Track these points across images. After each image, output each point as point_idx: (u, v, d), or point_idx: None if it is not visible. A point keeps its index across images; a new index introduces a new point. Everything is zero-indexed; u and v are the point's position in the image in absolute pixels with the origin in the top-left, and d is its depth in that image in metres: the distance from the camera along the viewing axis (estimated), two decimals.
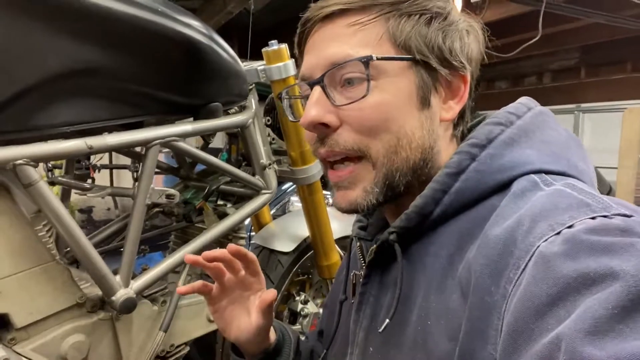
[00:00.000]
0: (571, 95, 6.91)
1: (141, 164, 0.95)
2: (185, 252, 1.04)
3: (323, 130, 0.50)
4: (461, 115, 0.54)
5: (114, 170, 1.51)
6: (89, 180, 1.19)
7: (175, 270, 1.08)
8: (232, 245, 0.62)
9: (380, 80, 0.49)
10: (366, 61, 0.48)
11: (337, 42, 0.50)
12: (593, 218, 0.38)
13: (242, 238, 1.24)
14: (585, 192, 0.42)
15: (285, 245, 1.43)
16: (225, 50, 1.03)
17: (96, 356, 0.93)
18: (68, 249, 1.05)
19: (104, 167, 2.25)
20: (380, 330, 0.51)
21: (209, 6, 4.45)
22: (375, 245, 0.54)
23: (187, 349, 1.10)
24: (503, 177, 0.47)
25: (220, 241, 1.21)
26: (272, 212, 2.66)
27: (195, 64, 0.97)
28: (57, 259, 0.88)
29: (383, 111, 0.49)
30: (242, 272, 0.64)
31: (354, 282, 0.60)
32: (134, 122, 0.95)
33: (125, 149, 1.03)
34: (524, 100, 0.54)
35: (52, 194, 0.81)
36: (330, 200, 2.35)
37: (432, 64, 0.50)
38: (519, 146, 0.49)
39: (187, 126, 0.99)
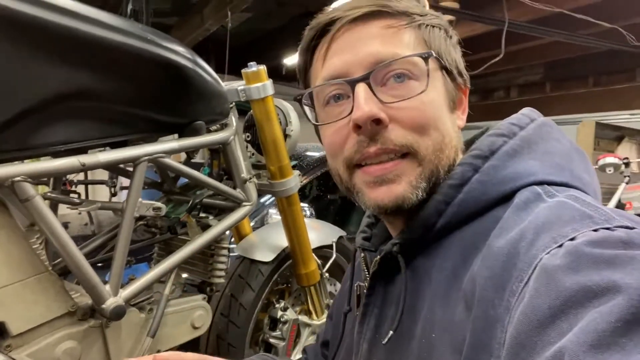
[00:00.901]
0: (537, 108, 7.22)
1: (130, 179, 1.01)
2: (171, 262, 1.10)
3: (372, 128, 0.49)
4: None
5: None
6: (77, 195, 1.24)
7: (161, 280, 1.14)
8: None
9: (424, 80, 0.50)
10: (427, 57, 0.50)
11: (379, 41, 0.50)
12: (595, 230, 0.37)
13: (224, 248, 1.30)
14: (588, 204, 0.42)
15: (266, 255, 1.50)
16: (207, 72, 1.11)
17: None
18: (58, 260, 1.10)
19: (80, 182, 2.29)
20: (384, 342, 0.51)
21: (185, 24, 4.52)
22: (379, 257, 0.54)
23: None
24: (506, 188, 0.47)
25: (204, 251, 1.27)
26: (251, 224, 2.72)
27: (180, 87, 1.04)
28: (49, 269, 0.94)
29: (433, 108, 0.50)
30: None
31: (358, 293, 0.61)
32: (123, 140, 1.02)
33: (115, 166, 1.09)
34: (527, 111, 0.54)
35: (47, 209, 0.87)
36: (308, 212, 2.43)
37: (453, 73, 0.54)
38: (521, 157, 0.49)
39: (173, 144, 1.06)
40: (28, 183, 0.85)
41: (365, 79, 0.50)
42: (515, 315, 0.37)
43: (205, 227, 1.25)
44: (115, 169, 1.27)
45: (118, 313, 0.97)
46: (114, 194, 2.04)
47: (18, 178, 0.83)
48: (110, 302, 0.97)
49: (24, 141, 0.86)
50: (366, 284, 0.57)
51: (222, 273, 1.29)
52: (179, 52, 1.04)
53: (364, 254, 0.61)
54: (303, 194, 3.12)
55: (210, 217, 1.33)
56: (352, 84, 0.50)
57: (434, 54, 0.51)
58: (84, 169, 0.91)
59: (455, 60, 0.54)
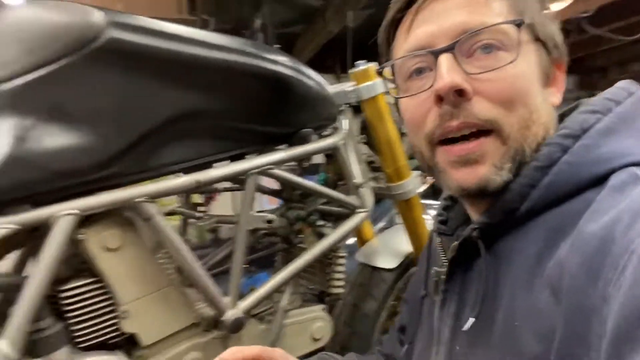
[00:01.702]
0: None
1: (244, 192, 1.03)
2: (288, 272, 1.10)
3: (455, 99, 0.47)
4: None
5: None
6: (203, 208, 1.31)
7: (280, 290, 1.14)
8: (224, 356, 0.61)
9: (512, 51, 0.47)
10: (519, 24, 0.46)
11: (466, 10, 0.48)
12: None
13: (341, 257, 1.26)
14: None
15: (388, 262, 1.42)
16: (311, 78, 1.07)
17: None
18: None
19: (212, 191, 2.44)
20: (465, 329, 0.50)
21: (309, 29, 4.65)
22: (457, 243, 0.53)
23: None
24: (599, 169, 0.44)
25: (321, 261, 1.24)
26: (381, 224, 2.66)
27: (284, 96, 1.03)
28: (174, 283, 0.99)
29: (523, 82, 0.48)
30: None
31: (435, 279, 0.59)
32: (234, 154, 1.04)
33: (220, 182, 1.12)
34: (624, 84, 0.50)
35: (169, 226, 0.92)
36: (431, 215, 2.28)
37: (549, 46, 0.50)
38: (617, 136, 0.45)
39: (281, 154, 1.05)
40: (149, 203, 0.90)
41: (450, 49, 0.47)
42: (614, 307, 0.35)
43: (321, 235, 1.22)
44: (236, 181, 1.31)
45: (237, 325, 0.99)
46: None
47: (141, 199, 0.89)
48: (230, 314, 0.99)
49: (143, 164, 0.92)
50: (444, 270, 0.56)
51: (341, 283, 1.24)
52: (280, 62, 1.02)
53: (440, 238, 0.60)
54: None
55: (327, 225, 1.30)
56: (436, 54, 0.48)
57: (526, 22, 0.47)
58: (199, 185, 0.94)
59: (551, 32, 0.50)
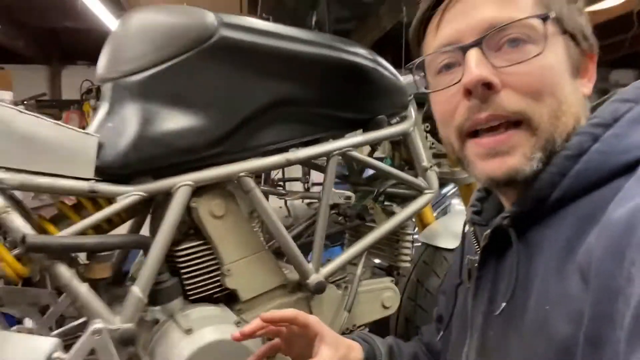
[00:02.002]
0: None
1: (324, 171, 1.15)
2: (361, 246, 1.22)
3: (483, 92, 0.48)
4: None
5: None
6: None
7: (352, 262, 1.26)
8: (264, 315, 0.71)
9: (540, 44, 0.48)
10: (545, 18, 0.48)
11: (493, 6, 0.49)
12: None
13: (409, 234, 1.37)
14: None
15: (449, 242, 1.51)
16: (387, 69, 1.19)
17: None
18: (272, 242, 1.30)
19: (280, 180, 2.62)
20: (497, 313, 0.51)
21: (363, 26, 4.74)
22: (489, 231, 0.54)
23: (367, 330, 1.27)
24: (629, 157, 0.44)
25: (390, 237, 1.36)
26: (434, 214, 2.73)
27: (364, 86, 1.15)
28: (266, 249, 1.14)
29: (550, 73, 0.48)
30: (293, 327, 0.73)
31: (469, 267, 0.61)
32: (317, 137, 1.17)
33: (310, 160, 1.25)
34: None
35: (264, 199, 1.06)
36: None
37: (577, 37, 0.51)
38: None
39: (359, 138, 1.17)
40: (249, 177, 1.04)
41: (477, 44, 0.49)
42: (636, 286, 0.35)
43: (390, 214, 1.33)
44: (309, 164, 1.44)
45: (320, 288, 1.12)
46: (307, 190, 2.30)
47: (243, 174, 1.03)
48: (314, 278, 1.12)
49: (244, 144, 1.07)
50: (477, 258, 0.57)
51: (408, 257, 1.35)
52: (361, 54, 1.14)
53: (473, 227, 0.61)
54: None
55: (394, 205, 1.41)
56: (464, 49, 0.49)
57: (552, 16, 0.48)
58: (289, 164, 1.08)
59: (580, 24, 0.51)
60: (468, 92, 0.49)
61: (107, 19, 4.02)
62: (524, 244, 0.51)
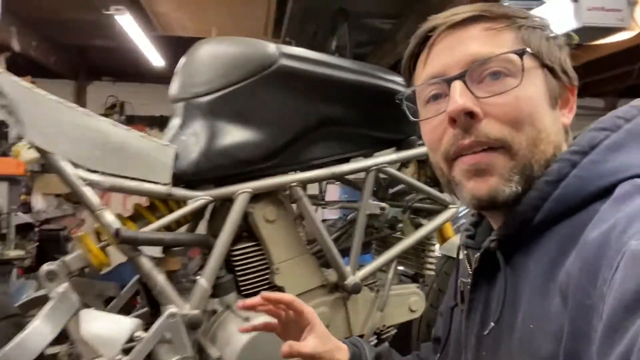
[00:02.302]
0: None
1: (363, 184, 1.29)
2: (392, 254, 1.35)
3: (467, 121, 0.52)
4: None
5: None
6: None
7: (381, 269, 1.39)
8: (265, 294, 0.74)
9: (519, 77, 0.51)
10: (522, 53, 0.51)
11: (477, 42, 0.53)
12: None
13: (433, 245, 1.50)
14: None
15: None
16: None
17: (334, 324, 1.28)
18: (314, 244, 1.44)
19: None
20: (485, 333, 0.53)
21: (379, 50, 4.94)
22: (479, 254, 0.56)
23: (395, 331, 1.40)
24: (605, 182, 0.47)
25: (416, 247, 1.49)
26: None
27: (397, 109, 1.29)
28: (309, 252, 1.27)
29: (528, 104, 0.51)
30: (290, 312, 0.76)
31: (461, 289, 0.64)
32: (356, 155, 1.32)
33: (351, 174, 1.39)
34: (637, 102, 0.53)
35: (311, 206, 1.21)
36: None
37: (556, 71, 0.54)
38: (625, 150, 0.48)
39: (394, 156, 1.32)
40: (299, 187, 1.19)
41: (461, 76, 0.52)
42: (608, 302, 0.38)
43: (418, 225, 1.46)
44: (343, 180, 1.59)
45: (356, 288, 1.25)
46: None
47: (294, 184, 1.18)
48: (351, 280, 1.25)
49: (294, 158, 1.22)
50: (469, 281, 0.59)
51: (432, 266, 1.48)
52: (395, 81, 1.30)
53: (466, 251, 0.63)
54: None
55: (421, 218, 1.55)
56: (449, 81, 0.53)
57: (530, 51, 0.52)
58: (334, 177, 1.23)
59: (559, 59, 0.55)
60: (453, 121, 0.52)
61: (136, 37, 4.23)
62: (511, 266, 0.53)
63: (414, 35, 0.60)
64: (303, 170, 1.23)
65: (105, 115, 5.01)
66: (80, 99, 5.78)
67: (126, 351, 0.95)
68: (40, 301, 1.16)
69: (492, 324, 0.52)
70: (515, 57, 0.52)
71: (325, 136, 1.25)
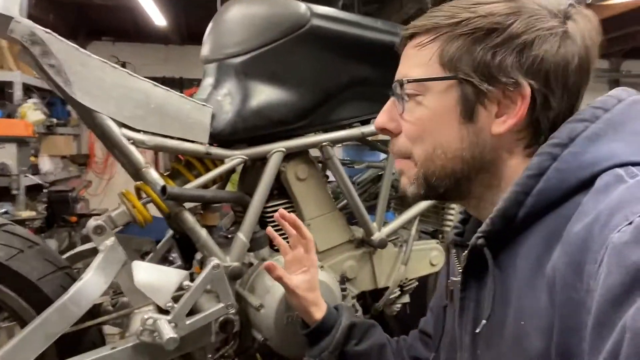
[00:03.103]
0: None
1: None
2: (414, 211, 1.40)
3: (388, 134, 0.61)
4: (536, 125, 0.53)
5: None
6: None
7: (404, 227, 1.45)
8: (281, 210, 0.92)
9: (424, 96, 0.56)
10: (401, 83, 0.57)
11: (404, 62, 0.59)
12: None
13: (452, 208, 1.55)
14: None
15: None
16: None
17: (360, 277, 1.35)
18: (343, 202, 1.49)
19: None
20: (477, 331, 0.53)
21: (384, 9, 4.85)
22: (466, 252, 0.56)
23: (416, 283, 1.47)
24: (585, 173, 0.47)
25: (436, 206, 1.54)
26: None
27: None
28: (337, 209, 1.33)
29: (419, 124, 0.56)
30: (300, 249, 0.90)
31: (451, 288, 0.64)
32: None
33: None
34: (615, 92, 0.53)
35: (340, 165, 1.25)
36: None
37: (475, 83, 0.52)
38: (604, 141, 0.48)
39: None
40: (330, 146, 1.23)
41: (393, 94, 0.60)
42: (595, 297, 0.38)
43: None
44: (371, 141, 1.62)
45: (382, 244, 1.32)
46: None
47: (325, 143, 1.22)
48: (377, 235, 1.31)
49: (325, 118, 1.25)
50: (459, 279, 0.60)
51: (452, 224, 1.54)
52: None
53: (455, 249, 0.65)
54: None
55: None
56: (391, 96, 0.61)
57: (406, 80, 0.56)
58: (364, 136, 1.27)
59: (487, 65, 0.52)
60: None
61: None
62: (499, 263, 0.54)
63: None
64: (332, 130, 1.27)
65: None
66: None
67: (175, 299, 1.01)
68: (84, 255, 1.22)
69: (484, 321, 0.53)
70: (405, 82, 0.56)
71: (355, 96, 1.27)
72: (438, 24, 0.55)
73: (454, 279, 0.62)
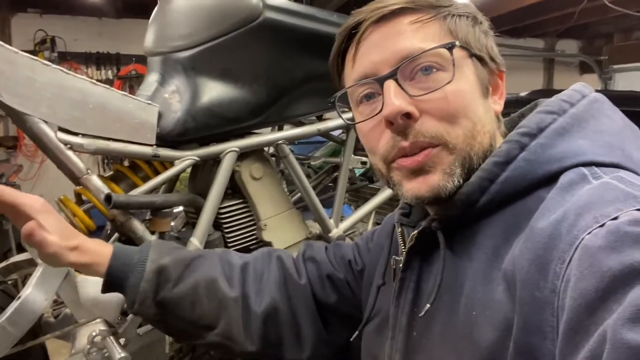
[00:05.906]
0: None
1: (345, 140, 1.31)
2: (371, 205, 1.40)
3: (404, 122, 0.50)
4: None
5: None
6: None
7: (363, 220, 1.45)
8: None
9: (460, 67, 0.51)
10: (450, 47, 0.50)
11: (404, 37, 0.51)
12: (639, 210, 0.38)
13: None
14: (633, 184, 0.41)
15: None
16: None
17: None
18: (297, 196, 1.46)
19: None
20: (421, 315, 0.52)
21: None
22: (416, 232, 0.54)
23: None
24: (552, 168, 0.47)
25: (392, 198, 1.55)
26: None
27: None
28: (294, 207, 1.30)
29: (463, 97, 0.50)
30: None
31: (394, 267, 0.61)
32: None
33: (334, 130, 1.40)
34: (578, 86, 0.53)
35: (297, 163, 1.21)
36: None
37: (485, 59, 0.53)
38: (571, 136, 0.48)
39: None
40: (285, 144, 1.19)
41: (392, 75, 0.51)
42: (565, 299, 0.37)
43: None
44: (327, 135, 1.59)
45: (340, 237, 1.31)
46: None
47: (281, 141, 1.18)
48: (335, 232, 1.30)
49: (280, 114, 1.20)
50: (402, 259, 0.57)
51: None
52: None
53: (401, 229, 0.61)
54: None
55: None
56: (381, 81, 0.51)
57: (458, 44, 0.51)
58: (319, 133, 1.23)
59: (485, 46, 0.54)
60: (390, 123, 0.51)
61: None
62: (452, 248, 0.52)
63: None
64: (288, 127, 1.22)
65: (35, 52, 4.59)
66: (3, 34, 5.19)
67: (125, 313, 0.96)
68: (19, 266, 1.12)
69: (428, 305, 0.51)
70: (445, 51, 0.50)
71: (311, 92, 1.23)
72: (433, 3, 0.53)
73: (396, 258, 0.60)
